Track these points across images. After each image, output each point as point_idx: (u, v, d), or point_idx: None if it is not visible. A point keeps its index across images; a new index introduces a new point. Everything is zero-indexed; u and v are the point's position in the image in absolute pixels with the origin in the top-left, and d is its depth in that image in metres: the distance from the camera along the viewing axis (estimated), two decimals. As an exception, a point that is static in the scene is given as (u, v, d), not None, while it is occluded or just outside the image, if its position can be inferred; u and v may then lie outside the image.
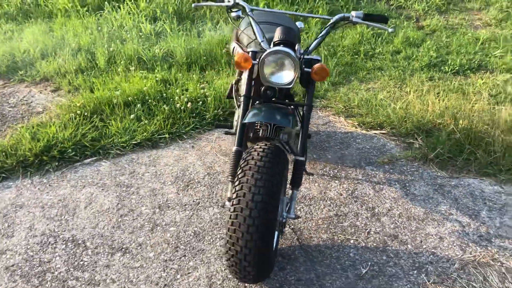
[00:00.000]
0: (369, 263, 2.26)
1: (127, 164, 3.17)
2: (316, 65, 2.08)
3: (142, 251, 2.36)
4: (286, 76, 2.05)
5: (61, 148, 3.24)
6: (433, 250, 2.34)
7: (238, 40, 3.04)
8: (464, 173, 2.99)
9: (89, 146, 3.30)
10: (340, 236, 2.45)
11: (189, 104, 3.73)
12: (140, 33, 5.66)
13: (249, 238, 1.83)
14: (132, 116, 3.63)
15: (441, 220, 2.56)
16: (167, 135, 3.47)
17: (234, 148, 2.18)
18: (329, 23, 2.27)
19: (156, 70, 4.58)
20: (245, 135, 2.36)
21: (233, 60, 4.76)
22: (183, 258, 2.31)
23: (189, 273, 2.22)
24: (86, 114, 3.67)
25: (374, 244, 2.38)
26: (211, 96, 3.86)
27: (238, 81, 3.24)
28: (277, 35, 2.09)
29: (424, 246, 2.36)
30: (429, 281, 2.14)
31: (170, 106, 3.74)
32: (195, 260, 2.30)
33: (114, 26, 5.99)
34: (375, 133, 3.49)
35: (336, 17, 2.27)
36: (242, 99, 2.20)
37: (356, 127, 3.60)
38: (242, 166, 1.95)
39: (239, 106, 2.98)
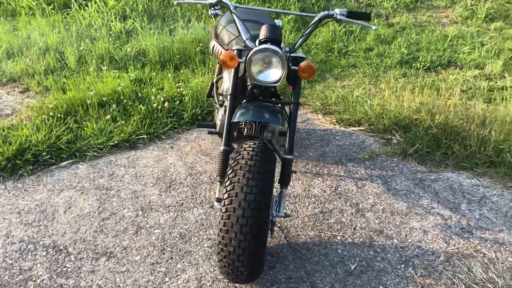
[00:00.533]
0: (357, 259, 2.27)
1: (105, 166, 3.08)
2: (303, 63, 2.08)
3: (127, 255, 2.30)
4: (274, 74, 2.04)
5: (35, 151, 3.13)
6: (418, 244, 2.38)
7: (217, 38, 3.01)
8: (442, 167, 3.06)
9: (64, 148, 3.19)
10: (327, 233, 2.46)
11: (166, 104, 3.67)
12: (110, 32, 5.53)
13: (242, 238, 1.81)
14: (108, 116, 3.54)
15: (424, 214, 2.61)
16: (145, 136, 3.41)
17: (222, 147, 2.15)
18: (314, 21, 2.27)
19: (129, 70, 4.48)
20: None
21: (209, 59, 4.71)
22: (170, 260, 2.27)
23: (177, 275, 2.18)
24: (59, 115, 3.56)
25: (361, 240, 2.40)
26: (188, 95, 3.81)
27: (218, 80, 3.21)
28: (263, 33, 2.07)
29: (409, 240, 2.40)
30: (416, 274, 2.18)
31: (147, 106, 3.67)
32: (183, 262, 2.26)
33: (83, 25, 5.83)
34: (354, 130, 3.53)
35: (321, 14, 2.27)
36: (228, 97, 2.17)
37: (334, 124, 3.63)
38: (232, 165, 1.92)
39: (220, 105, 2.96)
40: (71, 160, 3.15)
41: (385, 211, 2.63)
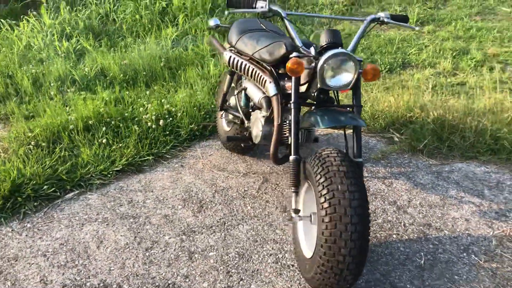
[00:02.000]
0: (422, 254, 2.32)
1: (118, 193, 2.84)
2: (369, 65, 2.09)
3: (193, 283, 2.13)
4: (345, 78, 2.02)
5: (33, 186, 2.79)
6: (467, 232, 2.48)
7: (231, 49, 2.92)
8: (450, 159, 3.23)
9: (66, 179, 2.89)
10: (381, 233, 2.47)
11: (161, 122, 3.47)
12: (59, 52, 5.12)
13: (352, 246, 1.76)
14: (103, 140, 3.27)
15: (457, 203, 2.73)
16: (150, 157, 3.19)
17: (293, 157, 2.08)
18: (364, 24, 2.29)
19: (96, 90, 4.19)
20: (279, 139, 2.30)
21: (179, 75, 4.54)
22: (241, 282, 2.13)
23: (256, 296, 2.06)
24: (42, 144, 3.22)
25: (415, 235, 2.46)
26: (180, 112, 3.64)
27: (228, 92, 3.12)
28: (326, 38, 2.05)
29: (457, 230, 2.50)
30: (481, 260, 2.27)
31: (141, 126, 3.44)
32: (256, 282, 2.13)
33: (20, 46, 5.36)
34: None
35: (369, 18, 2.30)
36: (292, 106, 2.11)
37: (332, 128, 3.68)
38: (321, 173, 1.86)
39: (247, 118, 2.87)
40: (77, 191, 2.86)
41: (423, 205, 2.71)
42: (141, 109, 3.66)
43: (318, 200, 1.85)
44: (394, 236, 2.45)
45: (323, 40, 2.06)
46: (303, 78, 2.16)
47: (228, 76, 3.08)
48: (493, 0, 7.44)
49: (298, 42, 2.18)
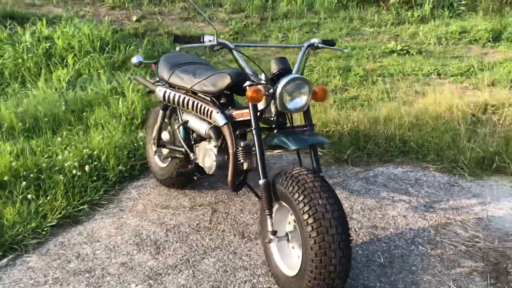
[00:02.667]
0: (379, 253, 2.52)
1: (60, 249, 2.62)
2: (318, 87, 2.26)
3: (178, 326, 2.06)
4: (302, 100, 2.16)
5: (-43, 259, 2.45)
6: (408, 227, 2.76)
7: (163, 84, 2.91)
8: (371, 165, 3.56)
9: (-5, 244, 2.59)
10: (338, 241, 2.63)
11: (86, 168, 3.27)
12: None
13: (341, 255, 1.87)
14: (28, 196, 2.98)
15: (392, 203, 3.02)
16: (85, 206, 2.99)
17: (263, 181, 2.15)
18: (302, 50, 2.46)
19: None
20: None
21: (86, 118, 4.32)
22: (227, 314, 2.12)
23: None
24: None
25: (368, 238, 2.66)
26: (104, 154, 3.47)
27: (161, 127, 3.08)
28: (276, 65, 2.18)
29: (400, 226, 2.77)
30: (428, 249, 2.54)
31: (65, 174, 3.21)
32: (241, 311, 2.14)
33: None
34: (279, 152, 3.79)
35: (306, 44, 2.48)
36: (253, 132, 2.19)
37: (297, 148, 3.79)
38: (298, 191, 1.96)
39: (191, 150, 2.86)
40: (11, 256, 2.57)
41: (364, 209, 2.95)
42: (59, 157, 3.41)
43: (300, 218, 1.93)
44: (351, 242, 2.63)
45: (274, 68, 2.19)
46: (261, 105, 2.25)
47: (161, 112, 3.05)
48: (356, 22, 8.32)
49: (249, 71, 2.27)
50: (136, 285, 2.31)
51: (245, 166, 2.44)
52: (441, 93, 4.63)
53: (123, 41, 6.37)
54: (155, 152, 3.22)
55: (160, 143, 3.10)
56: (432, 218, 2.84)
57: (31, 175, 3.19)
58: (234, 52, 2.30)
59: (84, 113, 4.46)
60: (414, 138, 3.73)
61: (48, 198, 2.98)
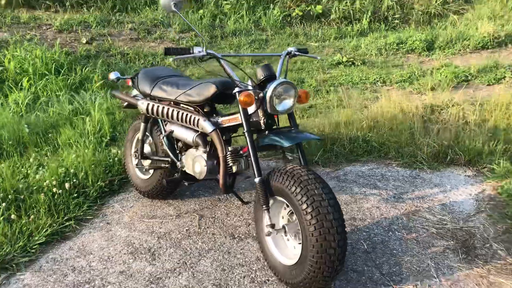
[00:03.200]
0: (361, 241, 2.74)
1: (54, 265, 2.63)
2: (301, 90, 2.46)
3: (189, 322, 2.15)
4: (289, 102, 2.35)
5: (-52, 282, 2.41)
6: (383, 216, 3.01)
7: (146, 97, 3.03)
8: (340, 165, 3.81)
9: (-14, 265, 2.56)
10: (323, 234, 2.83)
11: (67, 185, 3.28)
12: None
13: (339, 238, 2.06)
14: (12, 216, 2.95)
15: (364, 197, 3.26)
16: (72, 222, 3.01)
17: (258, 179, 2.30)
18: (282, 58, 2.66)
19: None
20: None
21: (56, 138, 4.28)
22: (233, 307, 2.24)
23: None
24: None
25: (349, 229, 2.87)
26: (81, 172, 3.48)
27: (144, 138, 3.16)
28: (263, 72, 2.36)
29: (375, 217, 3.01)
30: (404, 234, 2.80)
31: (45, 193, 3.20)
32: (245, 303, 2.27)
33: None
34: (264, 159, 3.95)
35: (284, 52, 2.69)
36: (246, 135, 2.35)
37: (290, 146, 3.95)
38: (294, 184, 2.13)
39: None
40: (4, 275, 2.55)
41: (341, 204, 3.17)
42: (37, 176, 3.39)
43: (299, 208, 2.10)
44: (334, 233, 2.83)
45: (261, 74, 2.37)
46: (251, 108, 2.42)
47: (143, 124, 3.13)
48: (302, 37, 8.72)
49: (236, 79, 2.44)
50: (139, 290, 2.38)
51: (234, 169, 2.60)
52: (390, 98, 5.01)
53: (77, 63, 6.34)
54: (136, 165, 3.29)
55: (143, 155, 3.19)
56: (403, 207, 3.11)
57: (9, 196, 3.16)
58: (221, 61, 2.46)
59: (50, 134, 4.42)
60: (375, 138, 4.03)
61: (32, 217, 2.97)
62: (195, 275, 2.47)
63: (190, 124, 2.73)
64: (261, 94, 2.34)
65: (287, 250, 2.39)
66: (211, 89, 2.61)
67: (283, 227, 2.32)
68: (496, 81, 5.95)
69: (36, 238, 2.82)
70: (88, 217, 3.13)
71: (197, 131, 2.76)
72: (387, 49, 7.93)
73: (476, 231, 2.78)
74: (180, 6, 2.40)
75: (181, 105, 2.84)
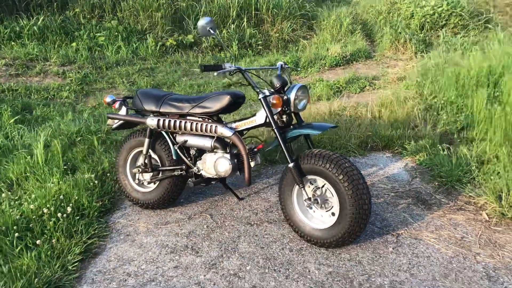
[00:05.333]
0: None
1: (106, 275, 2.83)
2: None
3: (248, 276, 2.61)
4: (305, 102, 2.99)
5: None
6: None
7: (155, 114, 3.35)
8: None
9: None
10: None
11: (69, 209, 3.35)
12: None
13: (369, 197, 2.76)
14: (29, 244, 2.95)
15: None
16: (95, 239, 3.13)
17: (292, 163, 2.87)
18: (279, 70, 3.24)
19: None
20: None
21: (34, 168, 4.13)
22: (286, 269, 2.76)
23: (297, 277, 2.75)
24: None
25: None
26: (73, 195, 3.55)
27: (148, 151, 3.43)
28: (278, 80, 2.95)
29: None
30: (375, 200, 3.61)
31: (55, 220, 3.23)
32: (294, 266, 2.80)
33: None
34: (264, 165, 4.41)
35: (279, 64, 3.27)
36: (275, 130, 2.90)
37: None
38: (327, 162, 2.76)
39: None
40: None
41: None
42: (31, 206, 3.35)
43: (335, 179, 2.74)
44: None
45: (277, 82, 2.97)
46: (277, 109, 2.97)
47: (147, 140, 3.40)
48: (184, 64, 9.28)
49: (256, 88, 2.99)
50: (204, 275, 2.73)
51: (252, 164, 3.13)
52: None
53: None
54: (138, 179, 3.53)
55: (152, 168, 3.45)
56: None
57: (14, 227, 3.12)
58: (245, 74, 3.00)
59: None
60: (313, 138, 4.85)
61: (54, 241, 3.02)
62: (242, 255, 2.91)
63: (207, 132, 3.15)
64: (285, 97, 2.93)
65: (315, 219, 3.00)
66: (226, 99, 3.10)
67: (315, 199, 2.92)
68: (361, 89, 7.32)
69: (70, 257, 2.91)
70: (104, 234, 3.26)
71: (213, 137, 3.19)
72: (262, 71, 8.92)
73: (421, 190, 3.74)
74: (215, 28, 2.87)
75: (189, 117, 3.25)
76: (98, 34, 9.73)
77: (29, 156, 4.33)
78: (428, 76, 6.57)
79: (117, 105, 3.53)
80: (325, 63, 8.87)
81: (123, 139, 3.66)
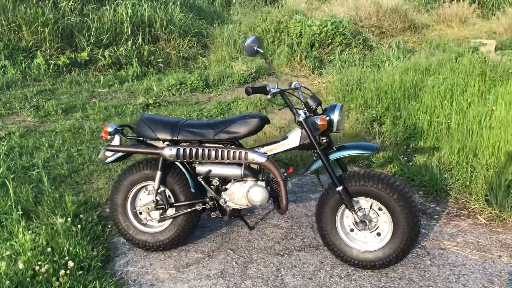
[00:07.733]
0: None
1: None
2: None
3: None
4: (343, 122, 2.91)
5: None
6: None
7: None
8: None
9: None
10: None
11: (70, 263, 2.78)
12: None
13: (419, 214, 2.79)
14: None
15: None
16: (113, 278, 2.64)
17: (341, 187, 2.78)
18: (295, 89, 3.09)
19: None
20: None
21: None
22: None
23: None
24: None
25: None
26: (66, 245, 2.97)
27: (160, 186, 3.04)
28: (313, 101, 2.84)
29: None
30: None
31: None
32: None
33: None
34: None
35: (295, 85, 3.11)
36: (319, 153, 2.77)
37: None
38: (378, 183, 2.73)
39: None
40: None
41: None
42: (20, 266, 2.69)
43: (388, 199, 2.72)
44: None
45: (312, 103, 2.86)
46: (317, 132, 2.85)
47: (159, 173, 2.98)
48: (85, 85, 8.47)
49: (294, 110, 2.84)
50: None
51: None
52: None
53: None
54: (146, 220, 3.08)
55: (170, 205, 3.02)
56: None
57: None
58: (284, 95, 2.83)
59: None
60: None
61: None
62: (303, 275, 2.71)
63: (235, 159, 2.88)
64: (328, 118, 2.83)
65: (357, 241, 2.94)
66: (254, 123, 2.90)
67: (363, 220, 2.86)
68: (284, 106, 7.48)
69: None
70: (119, 286, 2.78)
71: (240, 164, 2.93)
72: (174, 90, 8.52)
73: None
74: (261, 46, 2.66)
75: (207, 144, 2.96)
76: (-31, 54, 8.42)
77: None
78: (349, 90, 6.96)
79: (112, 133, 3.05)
80: (233, 80, 8.85)
81: (121, 174, 3.15)
